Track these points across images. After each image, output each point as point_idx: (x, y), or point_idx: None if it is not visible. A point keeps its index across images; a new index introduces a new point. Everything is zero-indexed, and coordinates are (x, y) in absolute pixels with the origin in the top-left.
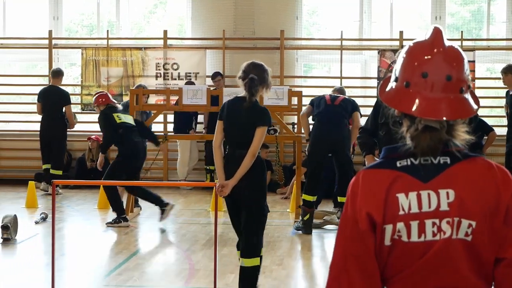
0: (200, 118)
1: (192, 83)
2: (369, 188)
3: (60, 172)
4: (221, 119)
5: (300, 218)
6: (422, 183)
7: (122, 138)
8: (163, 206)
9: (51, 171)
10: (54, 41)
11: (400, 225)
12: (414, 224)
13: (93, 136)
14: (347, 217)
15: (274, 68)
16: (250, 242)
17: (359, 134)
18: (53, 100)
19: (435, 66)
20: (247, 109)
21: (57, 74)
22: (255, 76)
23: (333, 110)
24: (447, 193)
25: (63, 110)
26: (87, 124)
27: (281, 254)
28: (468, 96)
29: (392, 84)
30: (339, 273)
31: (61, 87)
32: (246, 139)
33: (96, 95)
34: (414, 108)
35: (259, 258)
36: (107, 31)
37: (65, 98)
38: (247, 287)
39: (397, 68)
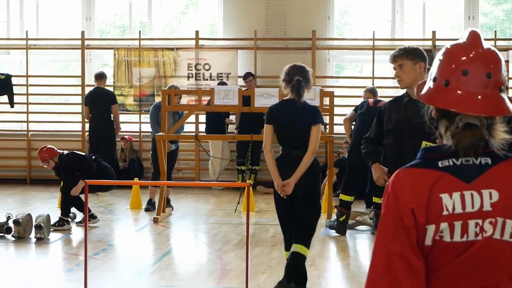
0: (232, 118)
1: (224, 84)
2: (411, 186)
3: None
4: (270, 123)
5: (335, 218)
6: (465, 184)
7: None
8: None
9: None
10: (86, 42)
11: (444, 226)
12: (458, 225)
13: (126, 136)
14: (388, 214)
15: None
16: (306, 231)
17: (362, 144)
18: (100, 101)
19: (475, 65)
20: (299, 110)
21: (100, 76)
22: (301, 78)
23: (375, 112)
24: (490, 193)
25: (111, 111)
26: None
27: (313, 255)
28: (505, 96)
29: (429, 84)
30: (381, 273)
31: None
32: (301, 139)
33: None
34: (454, 104)
35: (308, 250)
36: (139, 31)
37: (111, 98)
38: (295, 271)
39: (433, 70)
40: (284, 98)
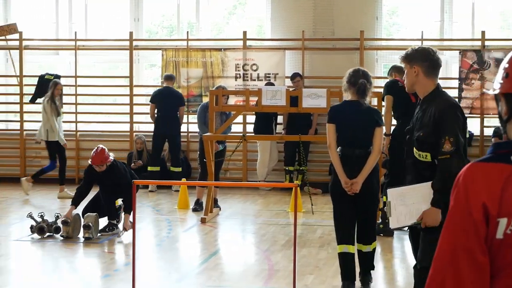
0: (280, 119)
1: (272, 84)
2: (483, 180)
3: (179, 169)
4: (333, 122)
5: (380, 220)
6: None
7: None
8: None
9: (172, 168)
10: (134, 43)
11: None
12: None
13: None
14: (457, 208)
15: None
16: (372, 229)
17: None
18: (168, 101)
19: None
20: (364, 111)
21: (170, 78)
22: (365, 81)
23: None
24: None
25: (177, 111)
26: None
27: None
28: None
29: (500, 80)
30: (445, 266)
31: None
32: (364, 139)
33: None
34: None
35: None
36: (187, 32)
37: (180, 100)
38: (369, 267)
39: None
40: (347, 100)
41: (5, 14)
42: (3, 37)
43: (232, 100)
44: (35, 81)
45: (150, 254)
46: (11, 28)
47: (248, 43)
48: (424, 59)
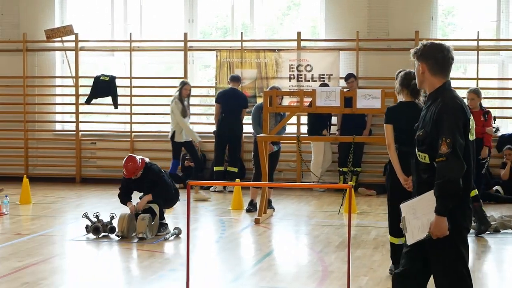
0: (334, 119)
1: (326, 85)
2: None
3: (235, 170)
4: (391, 122)
5: None
6: None
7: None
8: None
9: (228, 168)
10: (189, 44)
11: None
12: None
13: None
14: None
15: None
16: None
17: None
18: (233, 102)
19: None
20: (419, 111)
21: (236, 79)
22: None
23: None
24: None
25: (241, 112)
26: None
27: None
28: None
29: None
30: None
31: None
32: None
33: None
34: None
35: None
36: (241, 33)
37: (244, 101)
38: None
39: None
40: (402, 101)
41: (61, 16)
42: (59, 39)
43: (286, 101)
44: (90, 82)
45: (204, 254)
46: (67, 30)
47: (302, 43)
48: (429, 57)
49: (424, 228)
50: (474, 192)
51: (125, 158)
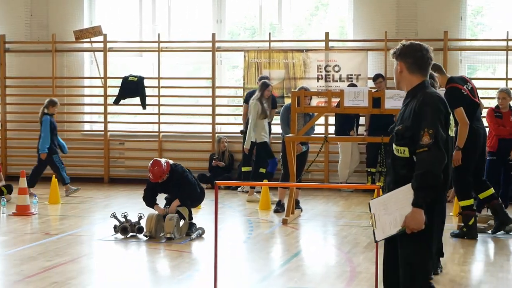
0: (362, 120)
1: (354, 85)
2: None
3: (264, 170)
4: None
5: (463, 224)
6: None
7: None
8: None
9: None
10: (217, 44)
11: None
12: None
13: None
14: None
15: None
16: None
17: None
18: None
19: None
20: None
21: (265, 79)
22: (432, 80)
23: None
24: None
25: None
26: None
27: (443, 259)
28: None
29: None
30: None
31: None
32: None
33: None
34: None
35: None
36: (269, 33)
37: (273, 102)
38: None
39: None
40: None
41: (90, 17)
42: (88, 40)
43: (314, 101)
44: (119, 82)
45: (232, 254)
46: (95, 31)
47: (330, 44)
48: (408, 56)
49: (397, 223)
50: (491, 191)
51: (150, 163)
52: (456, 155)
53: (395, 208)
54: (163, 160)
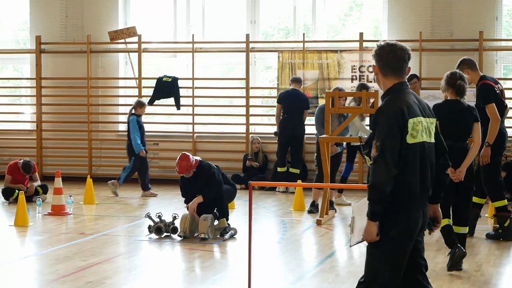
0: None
1: None
2: None
3: (297, 171)
4: (438, 119)
5: (498, 225)
6: None
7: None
8: None
9: (290, 169)
10: (251, 45)
11: None
12: None
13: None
14: None
15: None
16: (466, 212)
17: None
18: (295, 103)
19: None
20: (465, 109)
21: (297, 80)
22: (462, 82)
23: None
24: None
25: (303, 113)
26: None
27: (479, 260)
28: None
29: None
30: None
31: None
32: (465, 133)
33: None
34: None
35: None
36: (303, 34)
37: (306, 102)
38: (465, 241)
39: None
40: (448, 99)
41: (125, 18)
42: (122, 40)
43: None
44: (153, 83)
45: (266, 255)
46: (130, 32)
47: (365, 44)
48: (380, 59)
49: (362, 231)
50: (503, 203)
51: (179, 156)
52: (485, 151)
53: (365, 215)
54: (192, 157)
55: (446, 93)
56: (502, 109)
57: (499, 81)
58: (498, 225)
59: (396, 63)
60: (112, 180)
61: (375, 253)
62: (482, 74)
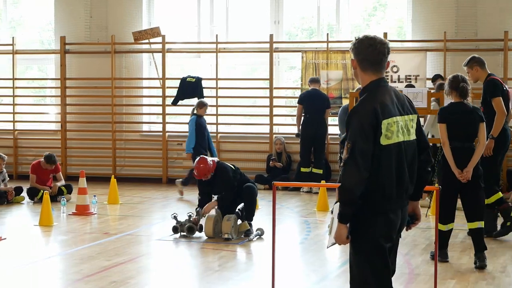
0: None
1: (412, 86)
2: None
3: (320, 171)
4: (444, 122)
5: (503, 220)
6: None
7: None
8: None
9: (313, 170)
10: (275, 45)
11: None
12: None
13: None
14: None
15: (497, 70)
16: (481, 208)
17: None
18: (316, 103)
19: None
20: (470, 110)
21: (316, 80)
22: (466, 84)
23: None
24: None
25: (324, 113)
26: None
27: (503, 261)
28: None
29: None
30: None
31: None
32: (472, 134)
33: (203, 170)
34: None
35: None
36: (327, 34)
37: (327, 102)
38: (483, 241)
39: None
40: (452, 101)
41: (149, 18)
42: (146, 41)
43: None
44: (177, 83)
45: (289, 255)
46: (154, 32)
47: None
48: (358, 53)
49: None
50: (498, 196)
51: (197, 159)
52: (489, 143)
53: None
54: (210, 159)
55: (450, 96)
56: (507, 107)
57: None
58: (503, 220)
59: (376, 57)
60: (180, 179)
61: (356, 255)
62: (490, 72)
